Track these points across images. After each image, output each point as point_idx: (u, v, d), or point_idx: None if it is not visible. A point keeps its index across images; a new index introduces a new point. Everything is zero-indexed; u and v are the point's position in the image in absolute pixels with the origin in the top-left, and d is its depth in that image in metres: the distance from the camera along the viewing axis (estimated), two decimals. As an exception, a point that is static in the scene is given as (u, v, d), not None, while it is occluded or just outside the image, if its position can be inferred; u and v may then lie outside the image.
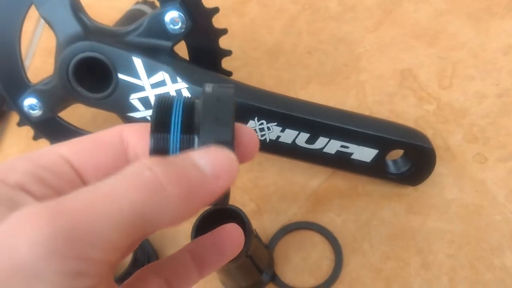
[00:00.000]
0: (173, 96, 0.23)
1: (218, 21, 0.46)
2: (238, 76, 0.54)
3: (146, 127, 0.22)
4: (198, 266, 0.26)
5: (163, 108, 0.22)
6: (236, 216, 0.37)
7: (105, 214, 0.17)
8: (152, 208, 0.18)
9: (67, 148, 0.21)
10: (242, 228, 0.37)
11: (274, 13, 0.60)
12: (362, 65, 0.54)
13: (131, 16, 0.54)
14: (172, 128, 0.21)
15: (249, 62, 0.56)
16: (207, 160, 0.20)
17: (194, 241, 0.27)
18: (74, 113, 0.50)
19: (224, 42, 0.47)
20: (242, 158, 0.22)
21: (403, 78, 0.52)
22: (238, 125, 0.23)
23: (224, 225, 0.27)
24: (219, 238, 0.27)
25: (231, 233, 0.27)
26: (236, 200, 0.48)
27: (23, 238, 0.16)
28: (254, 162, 0.50)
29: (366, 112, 0.50)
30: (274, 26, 0.59)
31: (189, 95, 0.42)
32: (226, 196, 0.24)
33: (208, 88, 0.22)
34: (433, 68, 0.52)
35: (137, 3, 0.57)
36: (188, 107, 0.22)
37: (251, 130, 0.23)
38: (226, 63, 0.49)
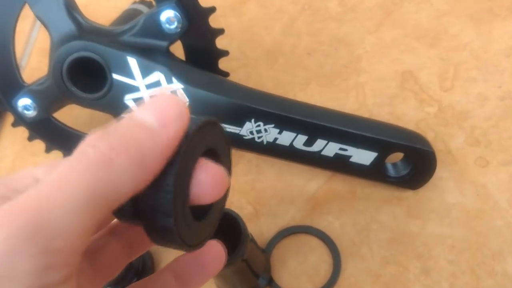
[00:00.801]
0: None
1: (216, 21, 0.45)
2: (237, 76, 0.53)
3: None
4: (181, 285, 0.26)
5: None
6: (232, 220, 0.36)
7: (58, 204, 0.17)
8: (106, 184, 0.18)
9: (42, 170, 0.21)
10: (237, 232, 0.36)
11: (274, 14, 0.59)
12: (362, 66, 0.53)
13: (128, 16, 0.53)
14: None
15: (247, 62, 0.56)
16: (151, 112, 0.19)
17: (176, 260, 0.26)
18: (70, 114, 0.49)
19: (222, 42, 0.47)
20: (202, 197, 0.21)
21: (404, 80, 0.51)
22: (202, 161, 0.21)
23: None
24: (200, 256, 0.26)
25: (212, 250, 0.26)
26: (233, 203, 0.47)
27: None
28: (252, 164, 0.49)
29: (366, 115, 0.50)
30: (274, 27, 0.58)
31: (186, 97, 0.41)
32: (224, 197, 0.24)
33: None
34: (434, 70, 0.51)
35: (134, 2, 0.56)
36: None
37: (215, 167, 0.21)
38: (224, 64, 0.48)
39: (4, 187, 0.20)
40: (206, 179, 0.21)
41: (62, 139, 0.48)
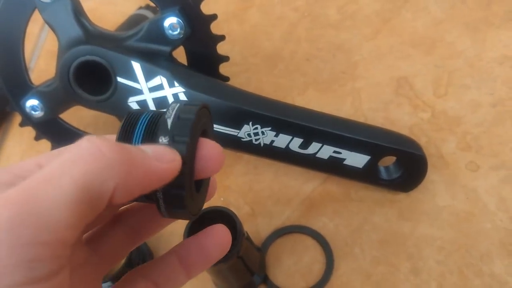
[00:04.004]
0: (142, 111, 0.25)
1: (219, 27, 0.47)
2: (237, 81, 0.55)
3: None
4: (185, 268, 0.27)
5: (130, 121, 0.24)
6: (228, 218, 0.38)
7: (47, 196, 0.17)
8: (94, 176, 0.18)
9: (47, 158, 0.22)
10: (233, 229, 0.38)
11: (274, 20, 0.61)
12: (359, 72, 0.55)
13: (133, 21, 0.55)
14: (134, 138, 0.24)
15: (248, 68, 0.57)
16: (150, 147, 0.21)
17: (181, 243, 0.28)
18: (75, 115, 0.51)
19: (224, 48, 0.48)
20: (205, 171, 0.24)
21: (399, 86, 0.53)
22: (202, 140, 0.24)
23: (210, 226, 0.28)
24: (205, 239, 0.27)
25: (217, 234, 0.28)
26: (231, 203, 0.49)
27: None
28: (250, 165, 0.51)
29: (361, 119, 0.51)
30: (274, 33, 0.60)
31: (186, 99, 0.43)
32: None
33: (172, 106, 0.24)
34: (429, 77, 0.53)
35: (140, 8, 0.58)
36: (153, 122, 0.24)
37: (214, 144, 0.24)
38: (225, 68, 0.50)
39: (10, 174, 0.20)
40: (208, 155, 0.24)
41: (68, 139, 0.49)
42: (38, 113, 0.48)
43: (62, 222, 0.17)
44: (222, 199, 0.49)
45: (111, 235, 0.26)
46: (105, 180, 0.19)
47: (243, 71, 0.57)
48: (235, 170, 0.51)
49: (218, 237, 0.28)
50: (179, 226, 0.34)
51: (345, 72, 0.55)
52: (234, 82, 0.51)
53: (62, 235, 0.18)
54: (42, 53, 0.64)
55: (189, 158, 0.23)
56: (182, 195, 0.23)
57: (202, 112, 0.25)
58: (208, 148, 0.24)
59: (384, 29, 0.57)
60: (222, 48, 0.48)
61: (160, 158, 0.21)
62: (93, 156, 0.19)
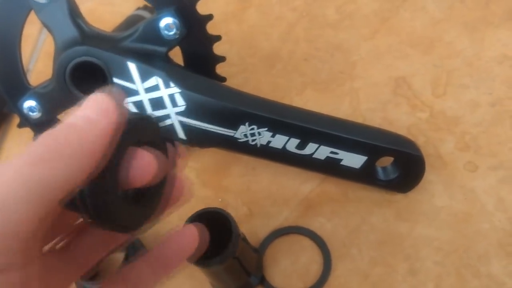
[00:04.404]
0: None
1: (217, 28, 0.47)
2: (235, 81, 0.55)
3: None
4: (158, 268, 0.27)
5: None
6: (223, 219, 0.38)
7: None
8: (44, 176, 0.19)
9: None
10: (228, 231, 0.38)
11: (273, 20, 0.60)
12: (357, 72, 0.54)
13: (131, 22, 0.55)
14: None
15: (246, 68, 0.57)
16: (90, 105, 0.22)
17: (153, 248, 0.28)
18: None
19: (222, 48, 0.48)
20: (131, 180, 0.23)
21: (397, 86, 0.53)
22: (133, 149, 0.23)
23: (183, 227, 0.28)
24: (177, 237, 0.28)
25: (186, 233, 0.28)
26: (229, 203, 0.49)
27: None
28: (248, 166, 0.51)
29: (359, 119, 0.51)
30: (272, 33, 0.59)
31: (183, 101, 0.43)
32: (162, 183, 0.26)
33: None
34: (427, 76, 0.53)
35: (138, 9, 0.58)
36: None
37: (147, 154, 0.24)
38: (223, 69, 0.50)
39: None
40: (133, 164, 0.23)
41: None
42: (35, 114, 0.48)
43: (18, 216, 0.19)
44: (220, 200, 0.49)
45: (82, 240, 0.26)
46: (57, 177, 0.20)
47: (241, 71, 0.57)
48: (233, 171, 0.51)
49: (188, 235, 0.28)
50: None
51: (343, 72, 0.55)
52: (232, 82, 0.51)
53: (23, 228, 0.19)
54: (40, 55, 0.64)
55: (106, 167, 0.22)
56: (101, 203, 0.22)
57: (141, 122, 0.24)
58: (133, 157, 0.23)
59: (382, 28, 0.57)
60: (219, 48, 0.48)
61: (103, 113, 0.21)
62: (39, 158, 0.20)
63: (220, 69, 0.49)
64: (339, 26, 0.58)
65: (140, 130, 0.25)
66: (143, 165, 0.23)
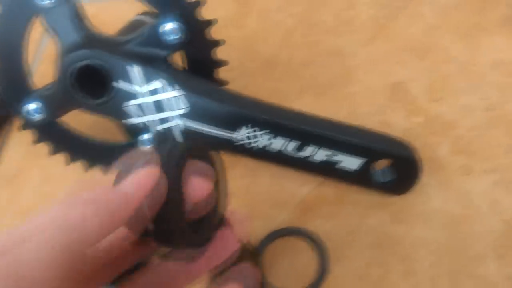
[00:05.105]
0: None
1: (217, 33, 0.48)
2: (235, 86, 0.55)
3: None
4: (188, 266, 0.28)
5: None
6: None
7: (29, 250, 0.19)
8: (75, 240, 0.20)
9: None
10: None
11: (272, 26, 0.62)
12: (355, 77, 0.55)
13: (133, 26, 0.56)
14: None
15: (246, 72, 0.58)
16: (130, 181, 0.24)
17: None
18: (75, 119, 0.51)
19: (222, 53, 0.49)
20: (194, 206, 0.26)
21: (393, 91, 0.54)
22: (186, 178, 0.26)
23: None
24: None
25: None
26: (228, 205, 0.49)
27: None
28: (247, 168, 0.51)
29: (356, 123, 0.52)
30: (272, 39, 0.60)
31: (186, 104, 0.44)
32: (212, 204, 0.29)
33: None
34: (423, 82, 0.54)
35: (139, 14, 0.59)
36: None
37: (197, 182, 0.26)
38: (223, 73, 0.50)
39: None
40: (190, 193, 0.25)
41: (67, 142, 0.51)
42: (38, 116, 0.48)
43: (42, 278, 0.19)
44: (219, 201, 0.50)
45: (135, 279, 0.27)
46: (85, 239, 0.21)
47: (240, 76, 0.58)
48: (233, 173, 0.51)
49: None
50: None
51: (341, 77, 0.56)
52: (232, 86, 0.52)
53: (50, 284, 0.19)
54: (44, 57, 0.65)
55: (172, 186, 0.24)
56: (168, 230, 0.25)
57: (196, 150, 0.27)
58: (192, 186, 0.25)
59: (380, 35, 0.58)
60: (221, 53, 0.49)
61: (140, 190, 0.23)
62: (73, 224, 0.20)
63: (221, 73, 0.50)
64: (337, 32, 0.59)
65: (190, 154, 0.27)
66: (197, 191, 0.26)
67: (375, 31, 0.58)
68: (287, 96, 0.56)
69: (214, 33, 0.47)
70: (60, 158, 0.52)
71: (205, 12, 0.46)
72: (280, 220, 0.48)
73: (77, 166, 0.52)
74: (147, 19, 0.57)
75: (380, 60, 0.56)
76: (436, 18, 0.58)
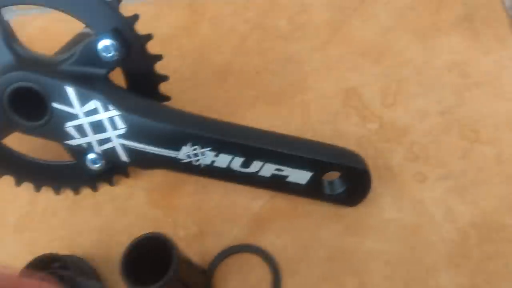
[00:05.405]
0: None
1: (168, 42, 0.46)
2: (186, 97, 0.54)
3: None
4: None
5: None
6: (162, 243, 0.37)
7: None
8: None
9: None
10: (168, 254, 0.37)
11: (225, 33, 0.60)
12: (308, 84, 0.54)
13: (77, 41, 0.54)
14: None
15: (198, 82, 0.57)
16: None
17: None
18: (23, 139, 0.50)
19: (174, 63, 0.48)
20: None
21: (347, 97, 0.52)
22: None
23: None
24: None
25: None
26: (179, 224, 0.48)
27: None
28: (198, 185, 0.50)
29: (309, 132, 0.51)
30: (224, 46, 0.59)
31: (123, 124, 0.42)
32: None
33: None
34: (377, 86, 0.52)
35: (86, 26, 0.57)
36: None
37: None
38: (175, 84, 0.48)
39: None
40: None
41: (11, 164, 0.49)
42: (-23, 141, 0.47)
43: None
44: (170, 219, 0.49)
45: None
46: None
47: (193, 86, 0.56)
48: (184, 190, 0.50)
49: None
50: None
51: (295, 84, 0.54)
52: (183, 97, 0.50)
53: None
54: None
55: None
56: None
57: None
58: None
59: (333, 39, 0.57)
60: (172, 63, 0.47)
61: None
62: None
63: (172, 85, 0.48)
64: (291, 37, 0.58)
65: None
66: None
67: (329, 35, 0.57)
68: (240, 106, 0.54)
69: (164, 42, 0.46)
70: (9, 179, 0.50)
71: (155, 22, 0.44)
72: (232, 236, 0.47)
73: (27, 187, 0.51)
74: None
75: (333, 65, 0.55)
76: (391, 20, 0.57)
